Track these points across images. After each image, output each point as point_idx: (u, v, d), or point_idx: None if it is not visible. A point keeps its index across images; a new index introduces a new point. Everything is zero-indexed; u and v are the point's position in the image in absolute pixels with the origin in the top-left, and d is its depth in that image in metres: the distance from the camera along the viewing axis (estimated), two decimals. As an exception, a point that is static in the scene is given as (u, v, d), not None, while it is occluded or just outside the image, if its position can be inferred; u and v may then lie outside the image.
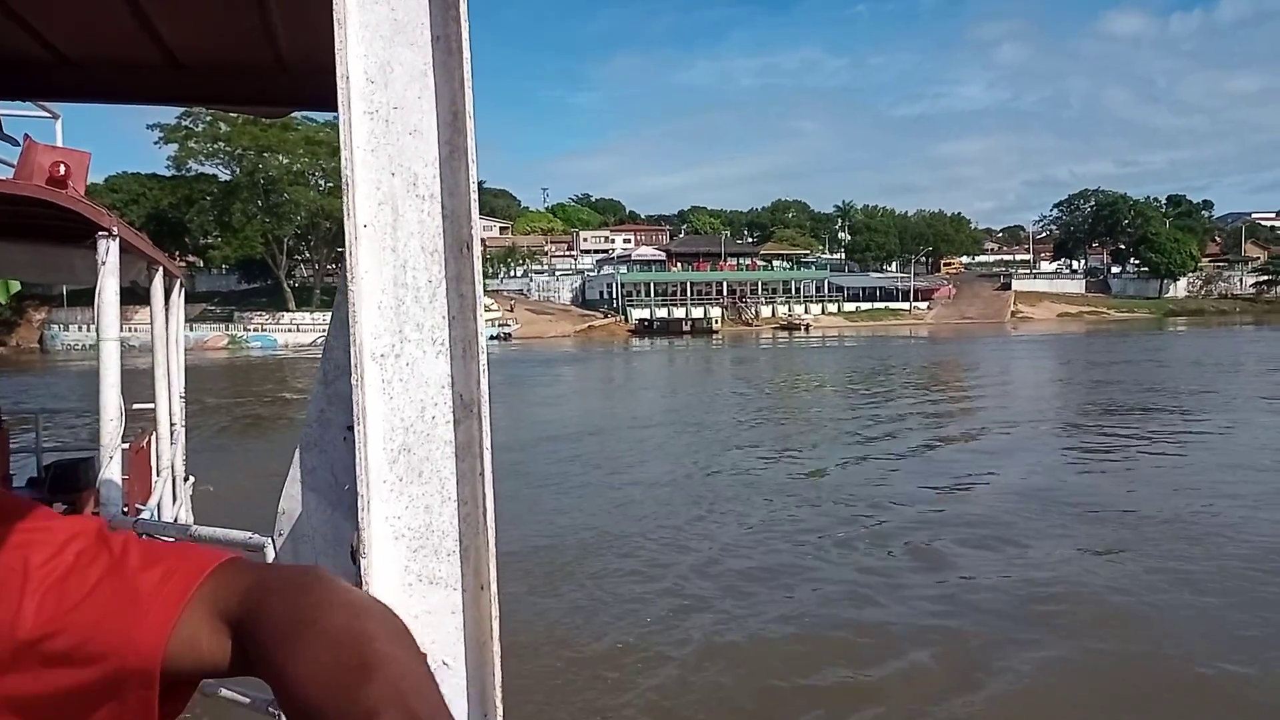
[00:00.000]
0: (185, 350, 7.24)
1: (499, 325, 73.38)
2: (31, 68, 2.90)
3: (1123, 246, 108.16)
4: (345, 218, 1.17)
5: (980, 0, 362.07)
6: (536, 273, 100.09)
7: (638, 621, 8.48)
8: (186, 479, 7.25)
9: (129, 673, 0.75)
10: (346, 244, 1.18)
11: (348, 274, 1.18)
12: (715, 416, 24.57)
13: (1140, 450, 16.86)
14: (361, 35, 1.16)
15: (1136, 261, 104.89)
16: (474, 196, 1.20)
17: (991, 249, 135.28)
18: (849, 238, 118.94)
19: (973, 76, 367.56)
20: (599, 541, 11.17)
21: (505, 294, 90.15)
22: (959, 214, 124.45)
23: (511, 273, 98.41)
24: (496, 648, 1.22)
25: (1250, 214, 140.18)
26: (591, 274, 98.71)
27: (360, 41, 1.16)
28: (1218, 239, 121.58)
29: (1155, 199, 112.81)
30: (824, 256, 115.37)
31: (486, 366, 1.22)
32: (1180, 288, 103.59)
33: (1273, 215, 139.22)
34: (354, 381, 1.21)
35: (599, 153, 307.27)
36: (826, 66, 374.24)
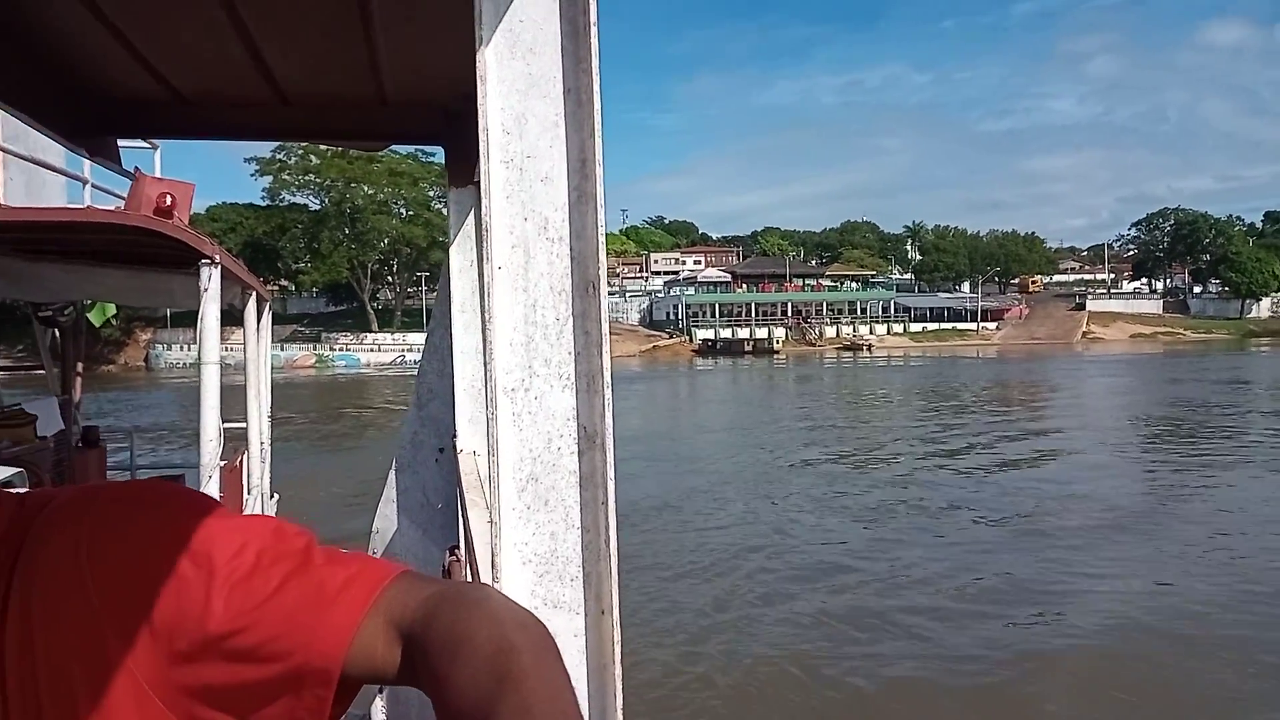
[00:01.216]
0: (276, 369, 7.46)
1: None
2: (153, 108, 3.08)
3: (1203, 266, 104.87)
4: (485, 261, 1.24)
5: (1072, 13, 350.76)
6: (609, 294, 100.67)
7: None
8: (272, 496, 7.47)
9: (310, 671, 0.79)
10: (485, 284, 1.25)
11: (485, 314, 1.25)
12: (773, 424, 24.95)
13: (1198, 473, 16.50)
14: (499, 90, 1.23)
15: (1218, 282, 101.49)
16: (601, 239, 1.26)
17: (1073, 268, 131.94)
18: (919, 258, 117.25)
19: (1064, 90, 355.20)
20: (673, 513, 13.35)
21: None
22: (1033, 233, 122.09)
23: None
24: (618, 671, 1.27)
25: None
26: (660, 295, 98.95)
27: (498, 95, 1.23)
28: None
29: (1239, 217, 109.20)
30: (894, 277, 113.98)
31: (612, 400, 1.28)
32: (1264, 308, 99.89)
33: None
34: (489, 414, 1.27)
35: (678, 173, 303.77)
36: (911, 82, 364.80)
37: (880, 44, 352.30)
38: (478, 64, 1.20)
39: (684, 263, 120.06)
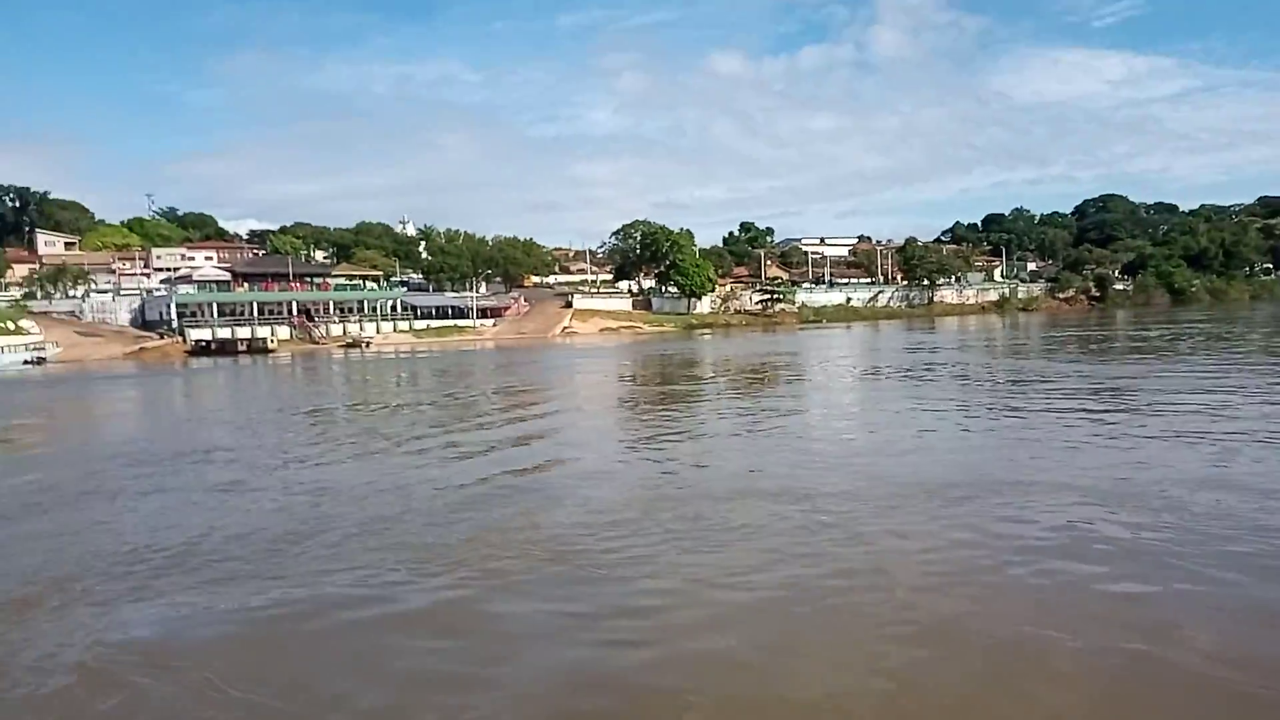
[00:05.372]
0: None
1: (33, 349, 70.65)
2: None
3: (662, 270, 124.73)
4: None
5: (606, 31, 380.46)
6: (99, 293, 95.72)
7: None
8: None
9: None
10: None
11: None
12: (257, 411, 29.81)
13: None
14: None
15: (673, 283, 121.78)
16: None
17: (582, 269, 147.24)
18: (429, 258, 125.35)
19: (600, 101, 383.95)
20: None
21: (54, 315, 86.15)
22: (530, 239, 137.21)
23: (68, 292, 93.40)
24: None
25: (801, 239, 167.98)
26: (159, 292, 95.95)
27: None
28: (769, 260, 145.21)
29: (685, 229, 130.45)
30: (410, 277, 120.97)
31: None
32: (705, 305, 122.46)
33: (817, 240, 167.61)
34: None
35: (215, 155, 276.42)
36: (465, 81, 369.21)
37: (433, 38, 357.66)
38: None
39: (193, 259, 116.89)
